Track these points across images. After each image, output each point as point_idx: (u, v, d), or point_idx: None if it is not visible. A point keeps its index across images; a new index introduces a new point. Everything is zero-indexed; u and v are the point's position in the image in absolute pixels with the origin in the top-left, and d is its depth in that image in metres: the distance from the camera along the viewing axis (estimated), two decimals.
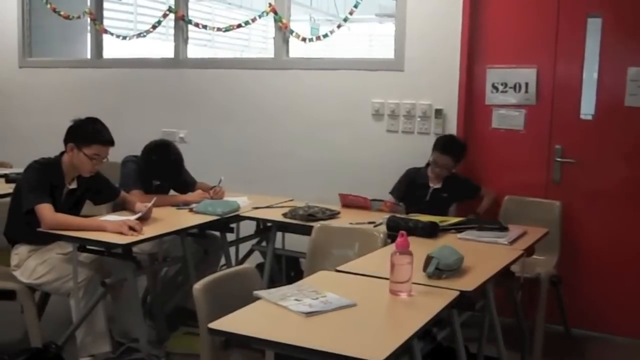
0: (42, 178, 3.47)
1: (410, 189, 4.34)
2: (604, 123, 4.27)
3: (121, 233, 3.31)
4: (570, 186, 4.34)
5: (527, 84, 4.37)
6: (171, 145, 4.22)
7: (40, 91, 6.25)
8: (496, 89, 4.46)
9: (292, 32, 5.08)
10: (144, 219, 3.56)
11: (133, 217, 3.50)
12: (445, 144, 4.26)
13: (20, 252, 3.58)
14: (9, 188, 4.13)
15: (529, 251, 3.36)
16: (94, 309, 3.44)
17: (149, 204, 3.68)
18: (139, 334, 3.54)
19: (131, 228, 3.33)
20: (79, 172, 3.61)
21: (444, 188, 4.27)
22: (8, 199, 3.70)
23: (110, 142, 3.59)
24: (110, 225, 3.37)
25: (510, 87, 4.41)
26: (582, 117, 4.34)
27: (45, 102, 6.19)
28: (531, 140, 4.41)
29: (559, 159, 4.35)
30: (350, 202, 4.17)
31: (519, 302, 3.80)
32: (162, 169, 4.14)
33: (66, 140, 3.57)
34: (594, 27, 4.24)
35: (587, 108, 4.32)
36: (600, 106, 4.29)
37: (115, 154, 3.77)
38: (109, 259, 3.47)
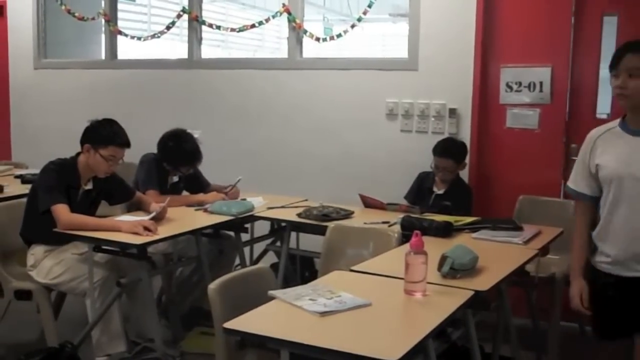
0: (58, 179, 3.49)
1: (419, 193, 4.33)
2: None
3: (136, 233, 3.33)
4: None
5: (541, 83, 4.35)
6: (188, 133, 4.22)
7: (55, 92, 6.29)
8: (510, 88, 4.44)
9: (305, 32, 5.08)
10: (158, 219, 3.58)
11: (147, 217, 3.52)
12: (443, 147, 4.23)
13: (36, 252, 3.61)
14: (25, 189, 4.17)
15: (543, 251, 3.34)
16: (110, 309, 3.46)
17: (163, 204, 3.69)
18: (154, 333, 3.56)
19: (146, 228, 3.35)
20: (95, 173, 3.63)
21: (446, 195, 4.18)
22: (24, 200, 3.73)
23: (127, 144, 3.61)
24: (125, 226, 3.38)
25: (525, 86, 4.39)
26: (597, 116, 4.31)
27: (60, 103, 6.23)
28: (546, 140, 4.39)
29: (574, 158, 4.29)
30: (369, 203, 4.17)
31: (534, 301, 3.78)
32: (178, 155, 4.13)
33: (82, 141, 3.59)
34: (609, 26, 4.22)
35: (603, 107, 4.29)
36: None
37: (130, 155, 3.79)
38: (124, 259, 3.49)
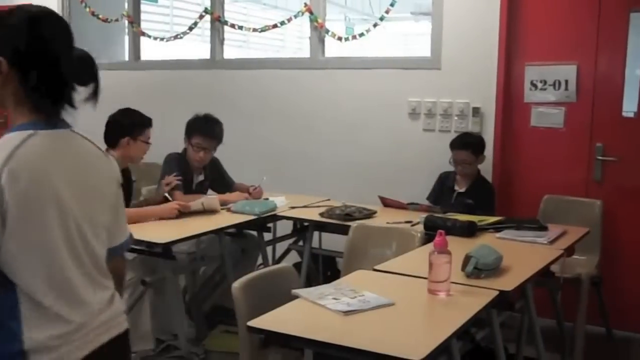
0: None
1: (441, 193, 4.30)
2: None
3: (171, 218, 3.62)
4: (612, 185, 4.26)
5: (567, 81, 4.30)
6: (217, 119, 4.27)
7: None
8: (535, 86, 4.40)
9: (327, 31, 5.08)
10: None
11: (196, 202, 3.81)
12: (459, 140, 4.23)
13: None
14: None
15: (569, 251, 3.31)
16: (140, 308, 3.50)
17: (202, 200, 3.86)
18: (180, 332, 3.58)
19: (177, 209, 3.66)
20: (134, 161, 3.74)
21: (468, 193, 4.15)
22: None
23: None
24: (161, 211, 3.63)
25: (550, 84, 4.35)
26: (624, 114, 4.26)
27: (84, 104, 6.28)
28: (571, 138, 4.34)
29: (600, 157, 4.28)
30: (388, 204, 4.16)
31: (559, 302, 3.75)
32: (196, 122, 4.18)
33: (118, 136, 3.64)
34: (637, 22, 4.16)
35: (629, 105, 4.24)
36: None
37: (153, 155, 3.81)
38: (150, 258, 3.51)
